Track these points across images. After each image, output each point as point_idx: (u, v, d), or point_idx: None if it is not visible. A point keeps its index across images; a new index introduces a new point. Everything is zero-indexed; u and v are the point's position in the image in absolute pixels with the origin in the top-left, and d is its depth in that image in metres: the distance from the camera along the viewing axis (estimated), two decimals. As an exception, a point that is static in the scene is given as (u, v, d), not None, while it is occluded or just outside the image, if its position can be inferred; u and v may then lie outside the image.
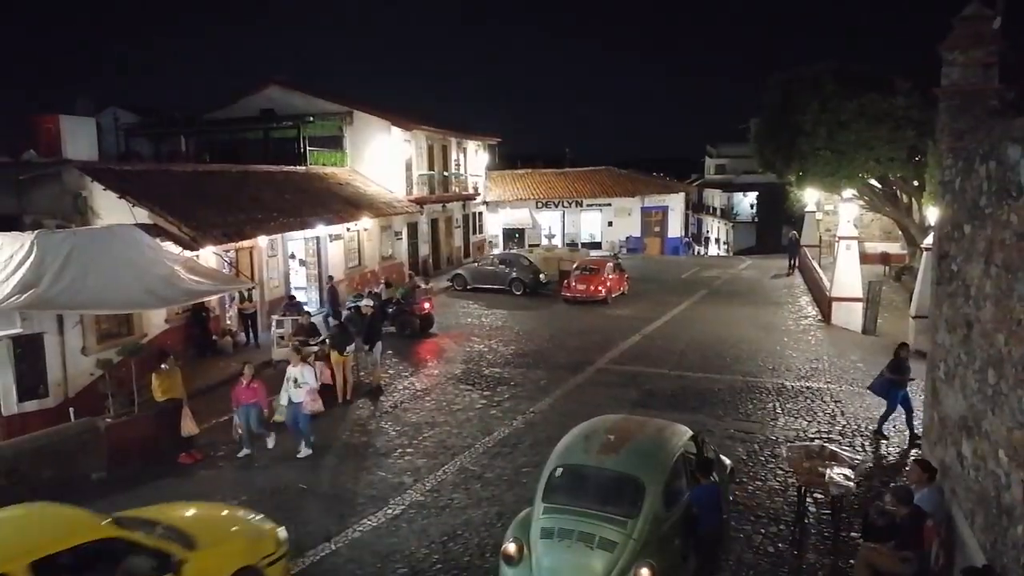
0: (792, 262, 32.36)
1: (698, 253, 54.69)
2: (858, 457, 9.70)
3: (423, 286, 21.50)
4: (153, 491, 10.32)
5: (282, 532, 7.64)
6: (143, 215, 15.44)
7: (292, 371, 11.86)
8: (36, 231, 12.91)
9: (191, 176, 19.50)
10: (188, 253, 15.34)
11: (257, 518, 7.74)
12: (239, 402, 11.65)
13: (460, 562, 8.32)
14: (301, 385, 11.67)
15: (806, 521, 9.04)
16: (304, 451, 11.60)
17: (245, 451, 11.69)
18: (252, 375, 11.82)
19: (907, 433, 11.83)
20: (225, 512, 7.95)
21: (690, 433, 8.13)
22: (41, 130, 16.57)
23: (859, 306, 20.91)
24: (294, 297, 19.06)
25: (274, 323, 17.22)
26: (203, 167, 21.52)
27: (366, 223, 24.80)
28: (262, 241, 19.29)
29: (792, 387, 14.85)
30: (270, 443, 11.94)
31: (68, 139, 16.54)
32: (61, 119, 16.72)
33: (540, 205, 41.77)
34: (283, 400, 11.96)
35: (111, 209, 15.63)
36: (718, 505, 7.72)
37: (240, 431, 11.74)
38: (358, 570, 8.19)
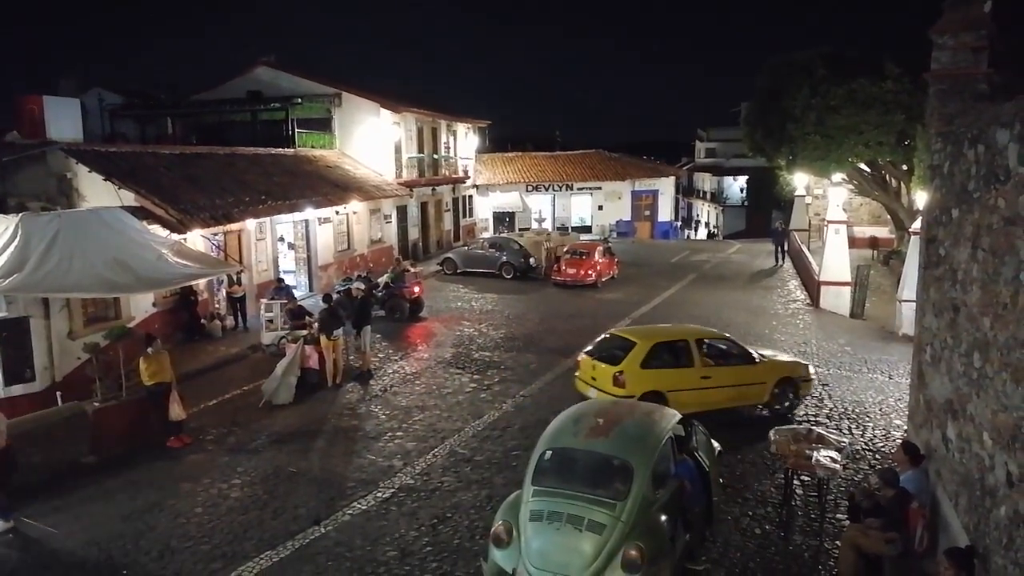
0: (780, 252, 30.08)
1: (714, 236, 54.64)
2: (845, 440, 9.77)
3: (412, 270, 21.45)
4: (143, 474, 10.31)
5: (812, 368, 13.05)
6: (129, 197, 15.28)
7: None
8: (21, 214, 12.78)
9: (178, 158, 19.30)
10: (175, 236, 15.22)
11: (797, 359, 13.55)
12: None
13: (450, 545, 8.35)
14: None
15: (793, 503, 9.12)
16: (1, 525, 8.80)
17: None
18: None
19: (892, 416, 11.94)
20: (776, 351, 13.99)
21: (678, 416, 8.17)
22: (24, 111, 16.31)
23: (847, 290, 21.05)
24: (283, 280, 18.97)
25: (263, 307, 17.14)
26: (190, 149, 21.29)
27: (355, 206, 24.67)
28: (250, 224, 19.16)
29: (780, 370, 14.91)
30: None
31: (52, 120, 16.28)
32: (45, 100, 16.44)
33: (530, 189, 41.66)
34: None
35: (97, 191, 15.46)
36: (698, 479, 7.80)
37: None
38: (347, 553, 8.21)
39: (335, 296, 15.89)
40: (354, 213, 24.99)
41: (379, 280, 20.17)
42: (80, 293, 12.49)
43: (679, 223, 52.38)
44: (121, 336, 11.99)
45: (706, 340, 12.25)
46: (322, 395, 13.71)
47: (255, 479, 10.15)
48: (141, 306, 15.44)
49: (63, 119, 16.64)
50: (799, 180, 33.02)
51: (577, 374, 12.53)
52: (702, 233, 61.61)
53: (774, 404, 12.16)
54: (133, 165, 16.99)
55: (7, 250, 11.76)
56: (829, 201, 24.73)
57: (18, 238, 11.86)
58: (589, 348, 12.63)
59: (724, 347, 12.31)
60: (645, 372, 11.42)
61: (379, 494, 9.63)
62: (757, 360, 12.15)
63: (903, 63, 21.98)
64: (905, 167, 25.01)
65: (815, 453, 8.80)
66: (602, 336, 13.06)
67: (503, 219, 40.79)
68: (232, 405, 13.27)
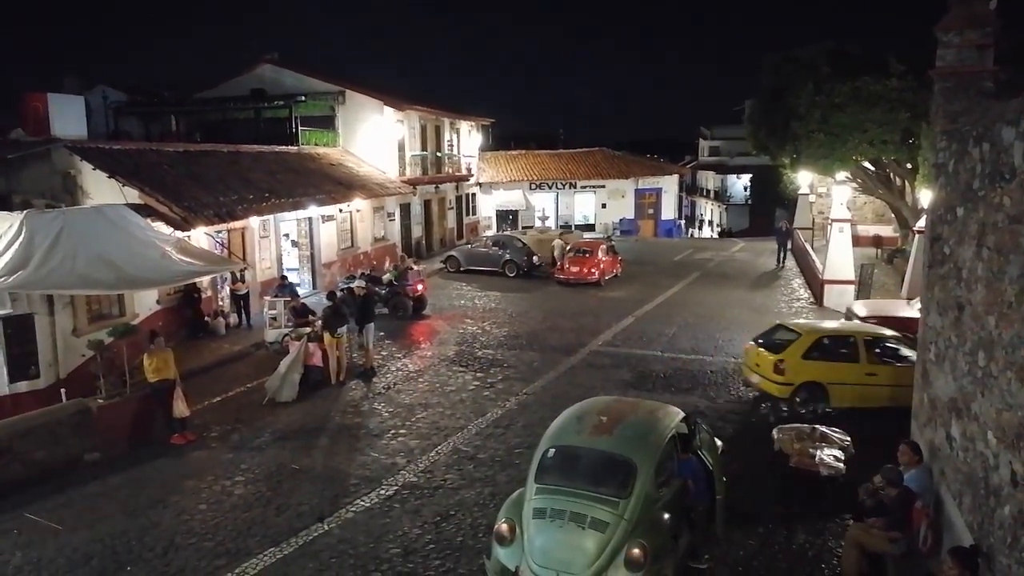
0: (782, 253, 29.34)
1: (725, 234, 54.30)
2: (848, 438, 9.75)
3: (415, 267, 21.45)
4: (147, 471, 10.35)
5: None
6: (133, 195, 15.30)
7: None
8: (25, 211, 12.81)
9: (182, 156, 19.31)
10: (179, 234, 15.23)
11: None
12: None
13: (453, 542, 8.36)
14: None
15: (796, 501, 9.10)
16: None
17: None
18: None
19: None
20: None
21: (682, 414, 8.16)
22: (29, 108, 16.36)
23: (851, 288, 20.96)
24: (286, 278, 18.99)
25: (266, 304, 17.15)
26: (194, 147, 21.33)
27: (359, 204, 24.68)
28: (254, 222, 19.18)
29: (784, 369, 14.88)
30: None
31: (56, 117, 16.33)
32: (49, 97, 16.50)
33: (534, 187, 41.64)
34: None
35: (101, 189, 15.48)
36: (702, 478, 7.80)
37: None
38: (351, 550, 8.22)
39: (339, 294, 15.90)
40: (357, 211, 25.00)
41: (383, 277, 20.19)
42: (84, 290, 12.52)
43: (683, 221, 52.24)
44: (125, 333, 12.02)
45: (877, 339, 12.37)
46: (325, 392, 13.73)
47: (259, 476, 10.17)
48: (145, 303, 15.47)
49: (67, 116, 16.69)
50: (803, 178, 32.87)
51: (743, 361, 13.17)
52: (707, 232, 61.47)
53: None
54: (137, 162, 17.00)
55: (12, 247, 11.80)
56: (833, 199, 24.64)
57: (23, 235, 11.90)
58: (756, 336, 13.15)
59: (897, 347, 12.29)
60: (806, 363, 11.92)
61: (382, 491, 9.64)
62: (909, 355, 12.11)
63: (908, 60, 21.89)
64: (909, 165, 24.93)
65: (819, 452, 8.78)
66: (771, 326, 13.58)
67: (506, 217, 40.79)
68: (236, 402, 13.30)
